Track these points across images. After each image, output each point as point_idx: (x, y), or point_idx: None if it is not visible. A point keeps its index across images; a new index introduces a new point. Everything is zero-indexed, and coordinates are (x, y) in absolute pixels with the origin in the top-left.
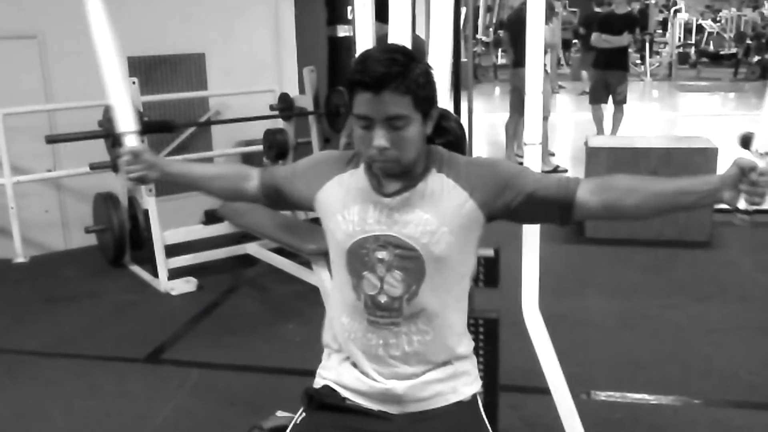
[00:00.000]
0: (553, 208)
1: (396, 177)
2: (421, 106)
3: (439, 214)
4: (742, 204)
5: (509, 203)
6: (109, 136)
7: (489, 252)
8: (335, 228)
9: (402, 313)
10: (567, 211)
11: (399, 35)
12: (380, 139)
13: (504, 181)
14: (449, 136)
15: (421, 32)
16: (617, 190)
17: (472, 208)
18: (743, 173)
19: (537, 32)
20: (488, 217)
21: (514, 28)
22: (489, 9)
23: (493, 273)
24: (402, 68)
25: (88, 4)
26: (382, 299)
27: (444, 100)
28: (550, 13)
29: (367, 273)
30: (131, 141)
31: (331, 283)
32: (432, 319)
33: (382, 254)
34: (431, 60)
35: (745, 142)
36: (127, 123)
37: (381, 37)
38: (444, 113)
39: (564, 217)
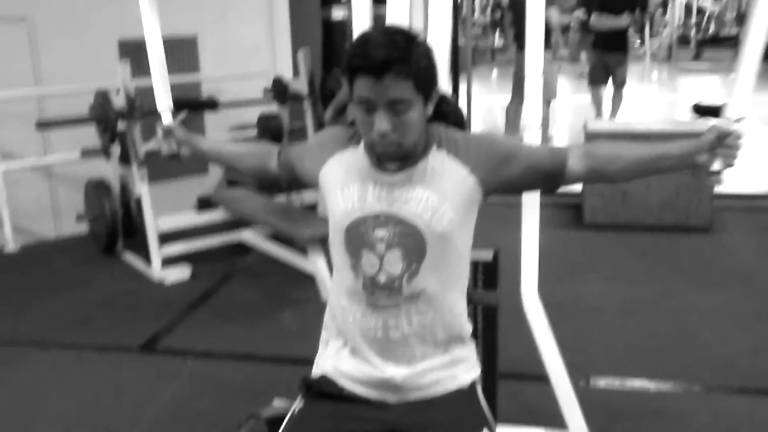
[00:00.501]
0: (547, 178)
1: (396, 159)
2: (423, 89)
3: (441, 191)
4: (716, 166)
5: (508, 176)
6: (101, 120)
7: (488, 255)
8: (334, 206)
9: (402, 293)
10: (558, 179)
11: (397, 16)
12: (382, 123)
13: (503, 155)
14: (448, 120)
15: (418, 14)
16: (601, 157)
17: (473, 183)
18: (719, 138)
19: (537, 12)
20: (486, 193)
21: (518, 8)
22: None
23: (492, 276)
24: (403, 51)
25: None
26: (382, 278)
27: (443, 83)
28: None
29: (366, 251)
30: (166, 118)
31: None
32: (432, 299)
33: (381, 232)
34: (431, 38)
35: (700, 110)
36: (162, 100)
37: (376, 18)
38: (443, 97)
39: (554, 184)
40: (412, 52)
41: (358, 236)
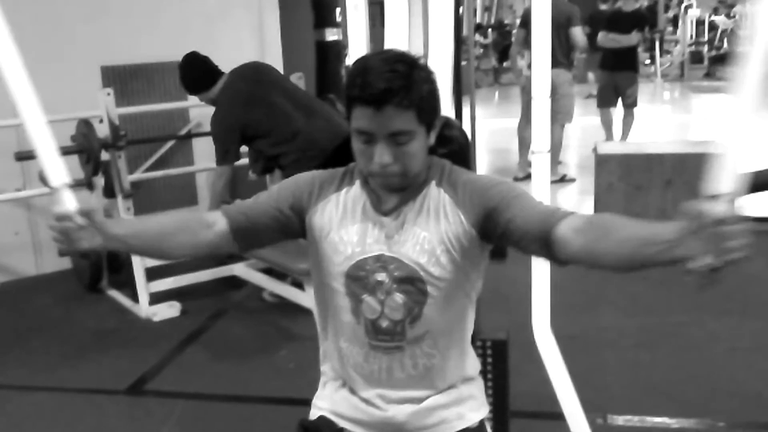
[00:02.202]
0: (534, 242)
1: (396, 190)
2: (425, 119)
3: (437, 232)
4: (706, 261)
5: (495, 229)
6: (83, 151)
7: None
8: (332, 250)
9: (405, 337)
10: (547, 248)
11: (395, 39)
12: (383, 155)
13: (493, 204)
14: (453, 145)
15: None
16: (597, 231)
17: (468, 230)
18: (708, 225)
19: (543, 32)
20: (485, 239)
21: (530, 26)
22: (487, 9)
23: (501, 247)
24: (405, 80)
25: None
26: (384, 323)
27: (446, 106)
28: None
29: (367, 296)
30: (67, 198)
31: (318, 308)
32: (437, 340)
33: (381, 276)
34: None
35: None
36: (58, 173)
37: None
38: (447, 121)
39: (547, 253)
40: (414, 80)
41: (358, 280)
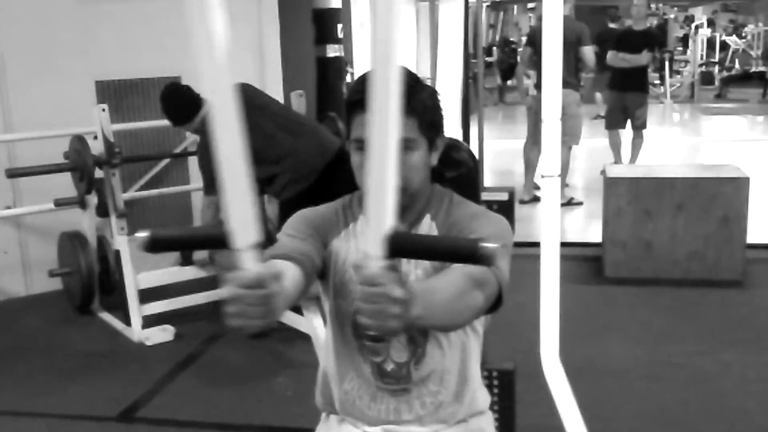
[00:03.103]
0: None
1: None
2: (427, 132)
3: (427, 269)
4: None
5: None
6: (76, 169)
7: (503, 196)
8: (343, 289)
9: (411, 380)
10: None
11: (403, 57)
12: None
13: (465, 234)
14: (461, 168)
15: (424, 53)
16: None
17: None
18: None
19: (554, 51)
20: None
21: (539, 44)
22: (491, 26)
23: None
24: (407, 87)
25: None
26: (389, 367)
27: (454, 126)
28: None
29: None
30: (250, 260)
31: (325, 344)
32: (444, 377)
33: None
34: (440, 84)
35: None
36: (246, 232)
37: None
38: (454, 143)
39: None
40: (417, 90)
41: None
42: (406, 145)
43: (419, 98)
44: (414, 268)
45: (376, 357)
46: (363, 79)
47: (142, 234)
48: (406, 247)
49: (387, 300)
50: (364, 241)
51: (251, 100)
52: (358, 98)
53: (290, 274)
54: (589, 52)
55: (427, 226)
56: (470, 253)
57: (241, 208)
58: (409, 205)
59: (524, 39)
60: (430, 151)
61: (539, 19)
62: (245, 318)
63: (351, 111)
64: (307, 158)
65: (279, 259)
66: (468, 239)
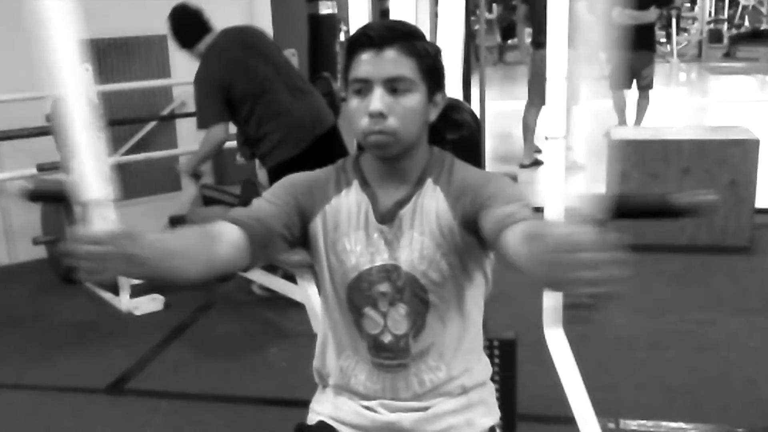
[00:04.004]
0: (490, 241)
1: (391, 177)
2: (427, 77)
3: (434, 236)
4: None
5: (473, 225)
6: (60, 132)
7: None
8: (336, 260)
9: (410, 353)
10: (498, 249)
11: (401, 13)
12: (377, 102)
13: (480, 201)
14: (463, 130)
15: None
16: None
17: (461, 233)
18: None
19: (561, 4)
20: (473, 236)
21: (534, 1)
22: None
23: None
24: (408, 30)
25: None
26: (386, 339)
27: (455, 86)
28: None
29: (369, 309)
30: (103, 216)
31: (321, 319)
32: (443, 352)
33: (384, 287)
34: (440, 42)
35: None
36: (96, 187)
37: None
38: (456, 104)
39: (499, 255)
40: (418, 36)
41: (361, 292)
42: (402, 87)
43: (421, 43)
44: (420, 236)
45: (374, 329)
46: (365, 25)
47: (21, 183)
48: (628, 209)
49: (609, 264)
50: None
51: (252, 45)
52: (359, 34)
53: (228, 239)
54: (582, 7)
55: (432, 191)
56: (682, 209)
57: (89, 164)
58: (404, 160)
59: None
60: (429, 101)
61: None
62: (86, 271)
63: (353, 49)
64: (300, 122)
65: (227, 222)
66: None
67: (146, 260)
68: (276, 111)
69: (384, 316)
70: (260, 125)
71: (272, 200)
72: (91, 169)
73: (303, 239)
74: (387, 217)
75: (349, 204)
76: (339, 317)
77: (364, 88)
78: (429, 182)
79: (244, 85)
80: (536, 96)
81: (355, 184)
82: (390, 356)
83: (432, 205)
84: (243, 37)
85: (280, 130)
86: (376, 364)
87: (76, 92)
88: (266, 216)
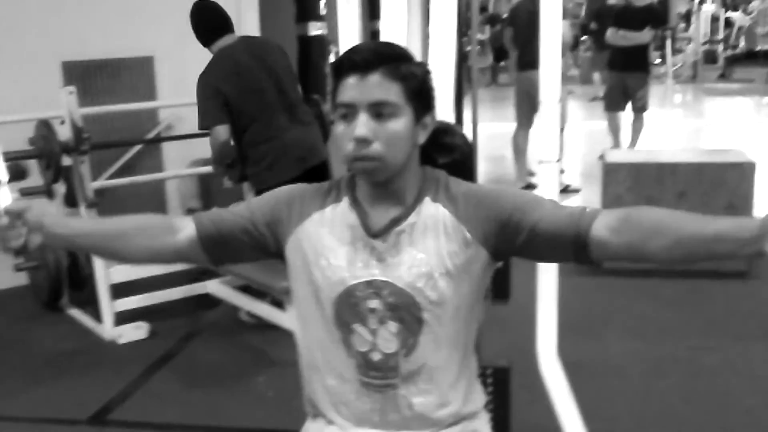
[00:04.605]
0: (564, 246)
1: (384, 199)
2: (413, 101)
3: (435, 253)
4: None
5: (513, 240)
6: (42, 156)
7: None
8: (320, 275)
9: (399, 373)
10: (581, 250)
11: (392, 35)
12: (361, 127)
13: (507, 215)
14: (455, 154)
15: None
16: (642, 229)
17: (473, 247)
18: None
19: (553, 27)
20: (495, 256)
21: (520, 23)
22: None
23: (503, 284)
24: (395, 53)
25: None
26: (375, 357)
27: (447, 109)
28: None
29: (358, 326)
30: (4, 196)
31: (304, 340)
32: (434, 375)
33: (373, 303)
34: (432, 63)
35: None
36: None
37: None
38: (447, 127)
39: (579, 256)
40: (405, 58)
41: (348, 308)
42: (387, 111)
43: (407, 65)
44: (419, 253)
45: (363, 347)
46: (352, 47)
47: None
48: None
49: None
50: None
51: (263, 61)
52: (344, 58)
53: (184, 233)
54: (564, 27)
55: (432, 209)
56: None
57: None
58: (396, 183)
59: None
60: (416, 124)
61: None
62: (7, 239)
63: (339, 73)
64: (293, 150)
65: (190, 219)
66: None
67: (58, 235)
68: (271, 135)
69: (373, 333)
70: (253, 145)
71: (236, 209)
72: None
73: (277, 253)
74: (380, 234)
75: (335, 219)
76: (325, 335)
77: (349, 112)
78: (427, 200)
79: (243, 99)
80: (523, 118)
81: (345, 200)
82: (379, 375)
83: (434, 222)
84: (258, 51)
85: (271, 154)
86: (364, 384)
87: None
88: (222, 220)
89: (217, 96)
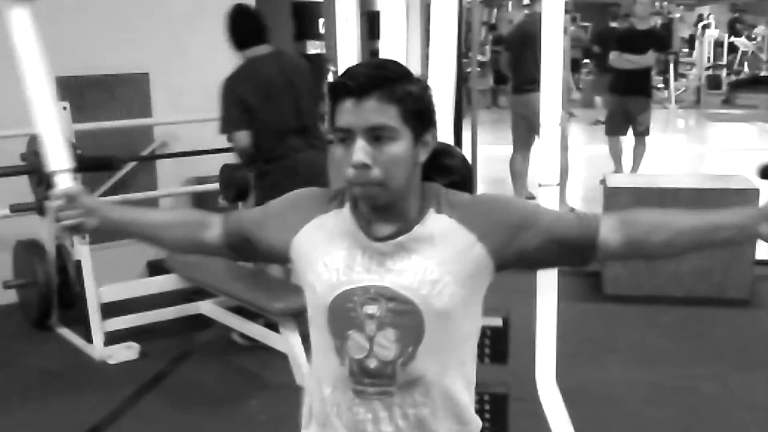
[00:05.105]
0: (574, 250)
1: (386, 215)
2: (412, 122)
3: (442, 261)
4: None
5: (525, 247)
6: (34, 172)
7: (497, 321)
8: (315, 279)
9: (396, 381)
10: (589, 252)
11: (392, 54)
12: (359, 153)
13: (519, 221)
14: (454, 176)
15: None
16: (642, 226)
17: (482, 254)
18: None
19: (554, 49)
20: (499, 266)
21: (516, 46)
22: (484, 23)
23: (501, 346)
24: (392, 74)
25: (12, 14)
26: (372, 364)
27: (446, 130)
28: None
29: (354, 332)
30: (64, 181)
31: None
32: (431, 388)
33: (372, 309)
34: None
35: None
36: (59, 159)
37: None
38: (447, 149)
39: (585, 258)
40: (403, 78)
41: (343, 314)
42: (385, 135)
43: (403, 86)
44: (424, 260)
45: (359, 353)
46: (349, 68)
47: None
48: None
49: None
50: None
51: (291, 81)
52: (340, 82)
53: (213, 230)
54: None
55: (437, 219)
56: None
57: (53, 141)
58: (402, 205)
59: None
60: (416, 145)
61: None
62: (59, 223)
63: (335, 98)
64: (298, 174)
65: (218, 216)
66: None
67: (110, 219)
68: (281, 153)
69: (370, 340)
70: (263, 159)
71: (254, 212)
72: (57, 144)
73: (286, 254)
74: (384, 238)
75: (336, 224)
76: (321, 342)
77: (347, 137)
78: (431, 212)
79: (261, 111)
80: (519, 141)
81: (348, 206)
82: (374, 383)
83: (440, 230)
84: (286, 67)
85: (276, 173)
86: (358, 392)
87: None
88: (242, 222)
89: (240, 102)
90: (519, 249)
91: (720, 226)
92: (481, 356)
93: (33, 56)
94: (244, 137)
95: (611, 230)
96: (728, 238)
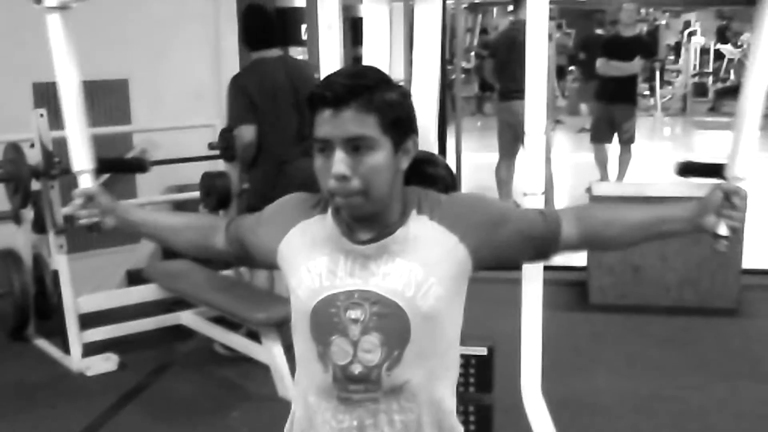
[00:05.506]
0: (538, 245)
1: (368, 222)
2: (391, 131)
3: (427, 263)
4: (722, 230)
5: (499, 243)
6: (11, 180)
7: (481, 350)
8: (298, 284)
9: (381, 387)
10: (552, 246)
11: (374, 61)
12: (339, 165)
13: (495, 218)
14: (438, 185)
15: (398, 57)
16: (596, 221)
17: (463, 253)
18: (726, 198)
19: (538, 56)
20: (475, 266)
21: (501, 53)
22: (468, 30)
23: (486, 375)
24: (370, 83)
25: (49, 23)
26: (356, 369)
27: (430, 138)
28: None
29: (337, 337)
30: (86, 181)
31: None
32: (417, 393)
33: (355, 313)
34: (415, 91)
35: (685, 170)
36: (82, 160)
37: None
38: (430, 158)
39: (547, 252)
40: (380, 86)
41: (326, 319)
42: (364, 145)
43: (381, 95)
44: (408, 262)
45: (342, 359)
46: (327, 75)
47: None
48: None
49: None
50: (733, 165)
51: (296, 88)
52: (317, 92)
53: (220, 235)
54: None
55: (418, 221)
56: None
57: (78, 144)
58: (383, 212)
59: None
60: (396, 153)
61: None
62: (80, 216)
63: (315, 106)
64: (299, 179)
65: (223, 221)
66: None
67: (126, 220)
68: (275, 159)
69: (354, 344)
70: (257, 159)
71: (249, 219)
72: (81, 147)
73: (273, 260)
74: (367, 242)
75: (318, 229)
76: (305, 349)
77: (326, 147)
78: (413, 214)
79: (262, 113)
80: (504, 149)
81: (330, 211)
82: (359, 389)
83: (423, 232)
84: (293, 73)
85: (264, 177)
86: (343, 399)
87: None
88: (239, 229)
89: (245, 98)
90: (494, 246)
91: (667, 220)
92: (465, 385)
93: (66, 60)
94: (248, 131)
95: (570, 223)
96: (675, 230)
